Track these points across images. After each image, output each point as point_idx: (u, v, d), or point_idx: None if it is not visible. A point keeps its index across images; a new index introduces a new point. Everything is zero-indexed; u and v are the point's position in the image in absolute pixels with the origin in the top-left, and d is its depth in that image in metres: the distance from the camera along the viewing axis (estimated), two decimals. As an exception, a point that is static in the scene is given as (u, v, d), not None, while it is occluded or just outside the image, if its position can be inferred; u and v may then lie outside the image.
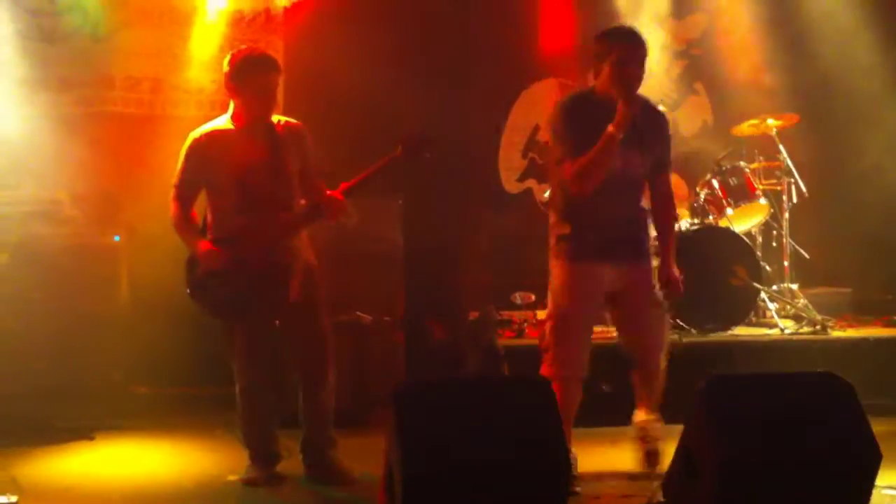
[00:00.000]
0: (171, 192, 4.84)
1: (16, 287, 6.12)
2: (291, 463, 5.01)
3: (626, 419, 4.86)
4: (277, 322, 4.88)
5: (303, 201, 4.91)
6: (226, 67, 4.78)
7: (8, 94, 6.92)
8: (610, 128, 4.44)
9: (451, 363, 6.71)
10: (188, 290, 4.84)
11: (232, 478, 4.94)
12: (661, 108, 5.29)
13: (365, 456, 4.82)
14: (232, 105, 4.85)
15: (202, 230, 4.86)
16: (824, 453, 3.65)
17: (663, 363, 4.79)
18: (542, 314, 6.93)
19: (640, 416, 4.75)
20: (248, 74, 4.72)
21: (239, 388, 4.89)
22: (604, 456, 5.15)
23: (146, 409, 6.23)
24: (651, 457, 4.64)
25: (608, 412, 5.26)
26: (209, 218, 4.87)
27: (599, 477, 4.78)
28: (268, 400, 4.91)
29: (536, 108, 8.17)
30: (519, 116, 8.18)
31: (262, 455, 4.91)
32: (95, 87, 7.23)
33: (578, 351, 4.62)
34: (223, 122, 4.84)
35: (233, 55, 4.79)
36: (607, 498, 4.42)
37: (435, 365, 6.66)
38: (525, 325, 6.81)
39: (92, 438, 5.71)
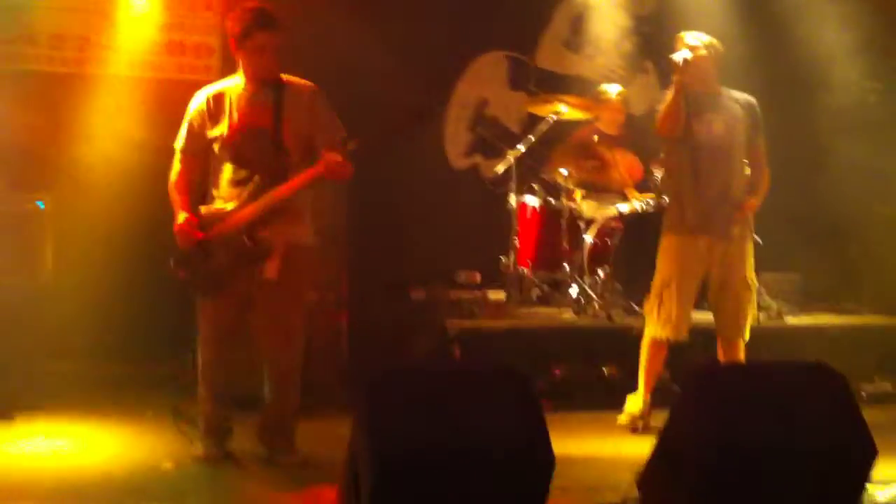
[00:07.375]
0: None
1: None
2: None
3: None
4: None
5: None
6: (229, 25, 4.63)
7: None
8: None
9: (396, 344, 6.46)
10: (171, 262, 4.67)
11: (167, 465, 4.61)
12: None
13: (313, 439, 4.74)
14: (240, 65, 4.68)
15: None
16: (814, 447, 3.46)
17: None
18: (493, 294, 6.74)
19: None
20: (247, 33, 4.56)
21: (202, 360, 4.73)
22: (582, 441, 5.09)
23: (69, 387, 5.85)
24: None
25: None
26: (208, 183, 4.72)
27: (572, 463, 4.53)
28: (225, 375, 4.74)
29: (483, 82, 7.99)
30: (465, 90, 7.95)
31: (216, 429, 4.75)
32: (18, 43, 6.82)
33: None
34: (231, 82, 4.70)
35: (236, 12, 4.63)
36: (576, 490, 4.17)
37: (379, 345, 6.40)
38: (475, 306, 6.53)
39: (12, 419, 5.35)
